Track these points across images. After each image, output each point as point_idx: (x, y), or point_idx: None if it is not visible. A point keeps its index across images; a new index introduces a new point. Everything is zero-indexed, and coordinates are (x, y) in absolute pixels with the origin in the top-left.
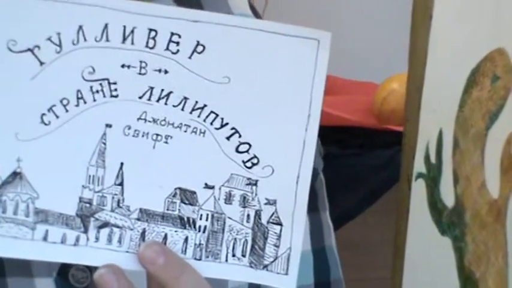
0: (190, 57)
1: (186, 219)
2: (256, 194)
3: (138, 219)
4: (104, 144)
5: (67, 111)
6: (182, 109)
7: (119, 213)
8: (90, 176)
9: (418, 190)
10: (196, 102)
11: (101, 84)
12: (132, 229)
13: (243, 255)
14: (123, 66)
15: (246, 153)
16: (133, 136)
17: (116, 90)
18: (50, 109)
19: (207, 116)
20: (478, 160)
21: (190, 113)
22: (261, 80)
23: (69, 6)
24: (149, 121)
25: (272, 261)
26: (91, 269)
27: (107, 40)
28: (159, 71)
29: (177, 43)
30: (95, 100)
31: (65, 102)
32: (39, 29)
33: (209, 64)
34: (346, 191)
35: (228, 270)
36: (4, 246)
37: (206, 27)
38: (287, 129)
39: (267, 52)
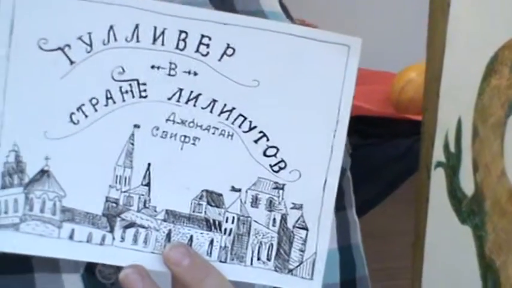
0: (220, 60)
1: (212, 221)
2: (282, 198)
3: (164, 220)
4: (132, 144)
5: (96, 110)
6: (211, 111)
7: (145, 213)
8: (117, 176)
9: (438, 179)
10: (225, 104)
11: (130, 84)
12: (158, 230)
13: (268, 259)
14: (152, 67)
15: (273, 157)
16: (161, 137)
17: (145, 90)
18: (79, 108)
19: (235, 119)
20: (498, 148)
21: (219, 115)
22: (290, 84)
23: (100, 6)
24: (177, 122)
25: (297, 266)
26: (118, 266)
27: (138, 41)
28: (189, 72)
29: (207, 45)
30: (124, 100)
31: (94, 101)
32: (70, 28)
33: (239, 67)
34: (365, 181)
35: (253, 274)
36: (30, 243)
37: (236, 30)
38: (315, 134)
39: (297, 57)
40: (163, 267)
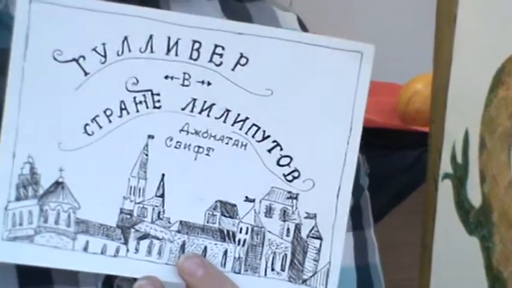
0: (233, 69)
1: (226, 232)
2: (296, 208)
3: (178, 232)
4: (146, 155)
5: (110, 121)
6: (224, 121)
7: (159, 225)
8: (131, 187)
9: (445, 190)
10: (239, 114)
11: (144, 95)
12: (172, 241)
13: (282, 270)
14: (166, 77)
15: (287, 167)
16: (175, 148)
17: (158, 101)
18: (93, 119)
19: (249, 129)
20: (505, 159)
21: (232, 125)
22: (304, 93)
23: (114, 17)
24: (191, 133)
25: (311, 276)
26: (136, 280)
27: (152, 51)
28: (202, 82)
29: (221, 55)
30: (138, 111)
31: (108, 112)
32: (84, 40)
33: (252, 76)
34: (372, 193)
35: (267, 285)
36: (45, 255)
37: (250, 40)
38: (328, 142)
39: (310, 65)
40: (177, 278)
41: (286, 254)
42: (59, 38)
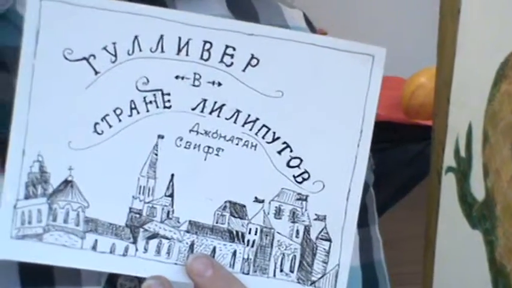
0: (244, 70)
1: (235, 232)
2: (306, 209)
3: (187, 232)
4: (156, 155)
5: (120, 121)
6: (234, 122)
7: (169, 224)
8: (140, 187)
9: (448, 184)
10: (249, 115)
11: (154, 95)
12: (181, 241)
13: (291, 271)
14: (177, 77)
15: (297, 168)
16: (185, 148)
17: (169, 101)
18: (103, 118)
19: (259, 130)
20: (508, 153)
21: (243, 126)
22: (314, 95)
23: (125, 16)
24: (201, 133)
25: (320, 278)
26: (139, 279)
27: (162, 51)
28: (213, 83)
29: (232, 56)
30: (148, 111)
31: (118, 112)
32: (95, 39)
33: (263, 78)
34: (375, 186)
35: (276, 286)
36: (53, 254)
37: (261, 41)
38: (339, 144)
39: (321, 67)
40: (186, 278)
41: (295, 256)
42: (69, 36)
